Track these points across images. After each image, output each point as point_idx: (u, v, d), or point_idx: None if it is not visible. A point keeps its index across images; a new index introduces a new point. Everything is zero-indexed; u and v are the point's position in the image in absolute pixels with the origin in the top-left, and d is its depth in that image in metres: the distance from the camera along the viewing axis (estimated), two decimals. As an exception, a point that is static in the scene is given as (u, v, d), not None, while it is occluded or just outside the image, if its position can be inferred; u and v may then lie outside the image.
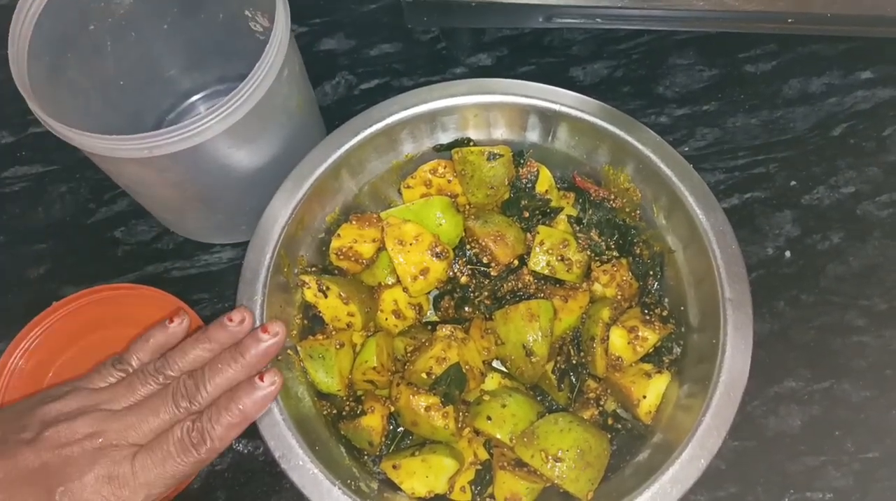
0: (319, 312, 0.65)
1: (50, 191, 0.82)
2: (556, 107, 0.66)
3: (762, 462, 0.67)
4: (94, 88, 0.70)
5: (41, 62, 0.62)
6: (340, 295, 0.63)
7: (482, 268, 0.67)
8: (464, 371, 0.60)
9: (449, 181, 0.69)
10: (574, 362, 0.64)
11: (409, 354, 0.64)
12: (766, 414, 0.69)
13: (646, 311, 0.65)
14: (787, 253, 0.76)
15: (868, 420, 0.69)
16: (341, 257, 0.66)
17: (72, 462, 0.49)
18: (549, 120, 0.67)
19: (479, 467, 0.62)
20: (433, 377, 0.60)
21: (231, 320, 0.56)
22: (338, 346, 0.62)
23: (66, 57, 0.66)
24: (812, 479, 0.66)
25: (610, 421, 0.63)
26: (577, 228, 0.68)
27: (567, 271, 0.65)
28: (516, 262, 0.67)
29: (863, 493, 0.66)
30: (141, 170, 0.61)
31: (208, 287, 0.76)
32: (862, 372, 0.70)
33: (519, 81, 0.67)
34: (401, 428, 0.63)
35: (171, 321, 0.57)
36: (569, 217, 0.69)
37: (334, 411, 0.63)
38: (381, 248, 0.66)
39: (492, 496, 0.61)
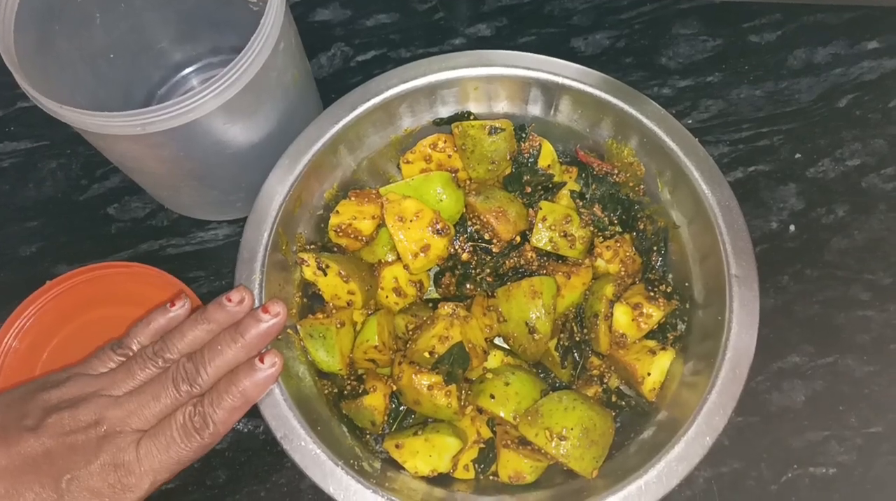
0: (319, 290, 0.64)
1: (40, 167, 0.80)
2: (559, 79, 0.65)
3: (765, 438, 0.67)
4: (82, 61, 0.68)
5: (28, 35, 0.60)
6: (340, 272, 0.62)
7: (484, 245, 0.66)
8: (466, 349, 0.59)
9: (449, 156, 0.68)
10: (577, 339, 0.64)
11: (410, 332, 0.63)
12: (769, 390, 0.69)
13: (650, 287, 0.64)
14: (792, 227, 0.75)
15: (871, 394, 0.68)
16: (340, 234, 0.65)
17: (77, 449, 0.49)
18: (551, 92, 0.66)
19: (483, 445, 0.62)
20: (436, 356, 0.59)
21: (230, 300, 0.55)
22: (338, 325, 0.61)
23: (54, 29, 0.64)
24: (815, 454, 0.66)
25: (614, 399, 0.63)
26: (580, 203, 0.67)
27: (570, 247, 0.64)
28: (518, 239, 0.66)
29: (866, 468, 0.66)
30: (133, 146, 0.59)
31: (204, 264, 0.75)
32: (866, 346, 0.70)
33: (520, 53, 0.66)
34: (403, 407, 0.63)
35: (173, 304, 0.56)
36: (571, 192, 0.68)
37: (335, 390, 0.63)
38: (381, 225, 0.65)
39: (495, 474, 0.61)
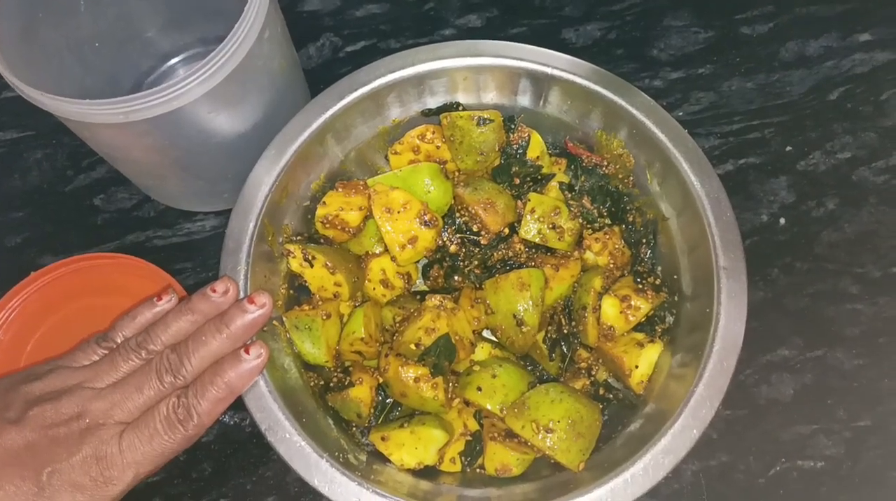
0: (305, 282, 0.64)
1: (26, 157, 0.79)
2: (549, 70, 0.64)
3: (754, 431, 0.67)
4: (68, 50, 0.68)
5: (12, 23, 0.59)
6: (326, 264, 0.62)
7: (472, 237, 0.66)
8: (453, 341, 0.59)
9: (437, 147, 0.67)
10: (565, 332, 0.63)
11: (397, 324, 0.62)
12: (758, 383, 0.69)
13: (638, 280, 0.64)
14: (782, 220, 0.75)
15: (860, 388, 0.68)
16: (327, 225, 0.64)
17: (59, 442, 0.48)
18: (540, 83, 0.66)
19: (469, 438, 0.61)
20: (422, 348, 0.58)
21: (215, 291, 0.55)
22: (324, 317, 0.61)
23: (38, 17, 0.63)
24: (803, 447, 0.66)
25: (601, 391, 0.63)
26: (569, 195, 0.67)
27: (558, 239, 0.64)
28: (507, 230, 0.65)
29: (854, 461, 0.65)
30: (118, 135, 0.59)
31: (191, 256, 0.74)
32: (855, 339, 0.70)
33: (510, 43, 0.65)
34: (389, 400, 0.62)
35: (160, 298, 0.56)
36: (560, 184, 0.67)
37: (321, 382, 0.62)
38: (368, 216, 0.65)
39: (482, 466, 0.60)
